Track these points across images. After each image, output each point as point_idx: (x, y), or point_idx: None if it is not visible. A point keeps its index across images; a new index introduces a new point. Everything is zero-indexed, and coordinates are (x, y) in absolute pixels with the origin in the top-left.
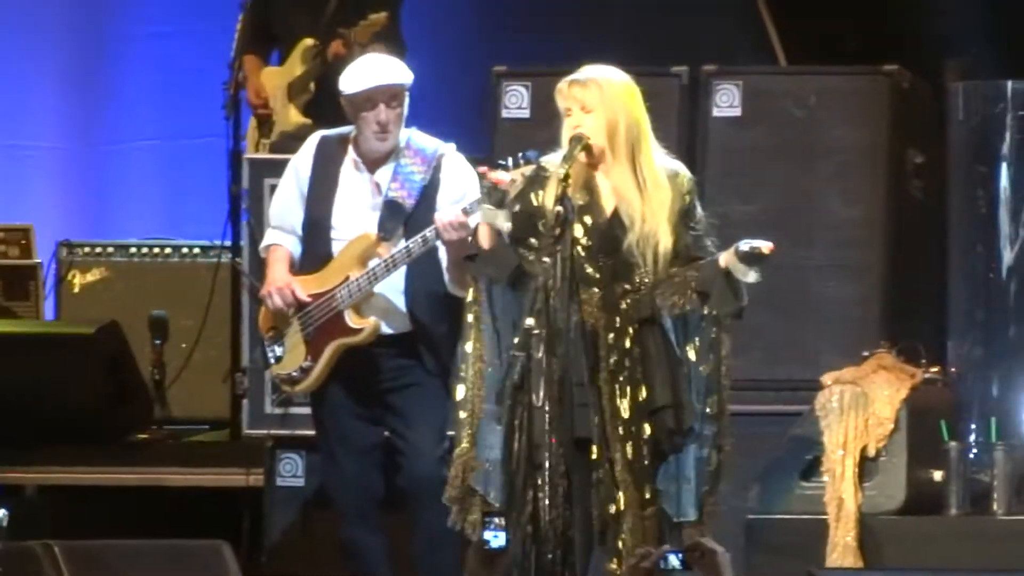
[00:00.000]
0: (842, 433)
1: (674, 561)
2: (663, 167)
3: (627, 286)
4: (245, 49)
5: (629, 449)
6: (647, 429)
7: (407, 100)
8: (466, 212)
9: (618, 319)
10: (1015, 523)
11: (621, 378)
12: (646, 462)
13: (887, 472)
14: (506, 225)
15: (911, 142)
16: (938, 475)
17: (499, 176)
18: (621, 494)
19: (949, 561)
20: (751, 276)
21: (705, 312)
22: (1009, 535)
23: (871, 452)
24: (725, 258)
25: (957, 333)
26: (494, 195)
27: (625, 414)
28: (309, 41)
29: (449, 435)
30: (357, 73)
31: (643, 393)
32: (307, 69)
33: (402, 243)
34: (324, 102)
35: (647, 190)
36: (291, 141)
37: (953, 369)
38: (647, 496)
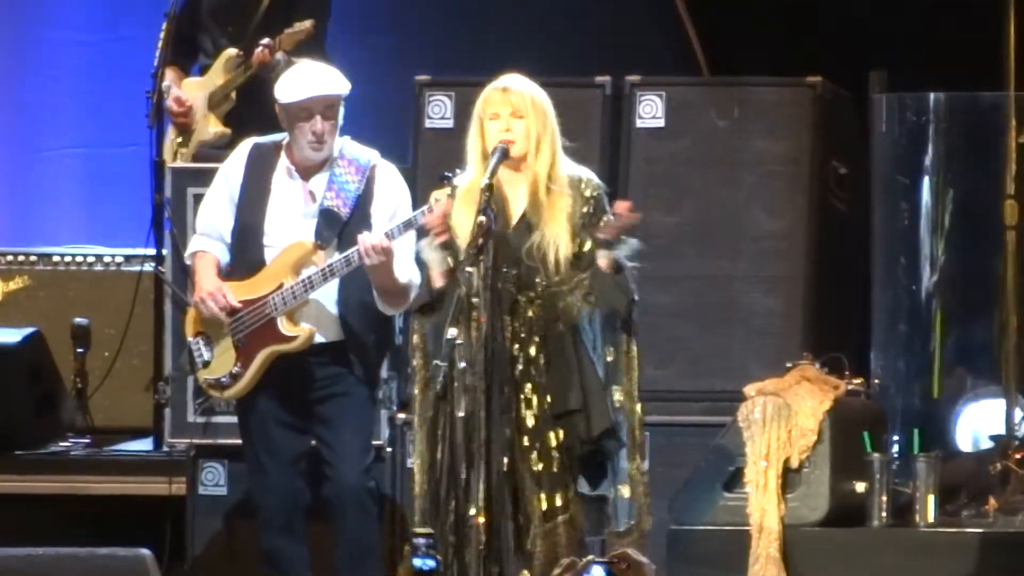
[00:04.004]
0: (765, 444)
1: (599, 572)
2: (568, 174)
3: (531, 293)
4: (168, 60)
5: (535, 458)
6: (554, 437)
7: (342, 110)
8: (389, 236)
9: (523, 328)
10: (937, 534)
11: (527, 387)
12: (555, 470)
13: (810, 483)
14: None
15: (834, 153)
16: (861, 486)
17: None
18: (529, 504)
19: (872, 572)
20: (625, 248)
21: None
22: (931, 546)
23: (794, 463)
24: (600, 257)
25: (880, 344)
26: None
27: (530, 423)
28: (232, 51)
29: (375, 444)
30: (294, 82)
31: (548, 400)
32: (229, 79)
33: (336, 254)
34: (245, 111)
35: (551, 195)
36: (209, 151)
37: (876, 380)
38: (557, 504)
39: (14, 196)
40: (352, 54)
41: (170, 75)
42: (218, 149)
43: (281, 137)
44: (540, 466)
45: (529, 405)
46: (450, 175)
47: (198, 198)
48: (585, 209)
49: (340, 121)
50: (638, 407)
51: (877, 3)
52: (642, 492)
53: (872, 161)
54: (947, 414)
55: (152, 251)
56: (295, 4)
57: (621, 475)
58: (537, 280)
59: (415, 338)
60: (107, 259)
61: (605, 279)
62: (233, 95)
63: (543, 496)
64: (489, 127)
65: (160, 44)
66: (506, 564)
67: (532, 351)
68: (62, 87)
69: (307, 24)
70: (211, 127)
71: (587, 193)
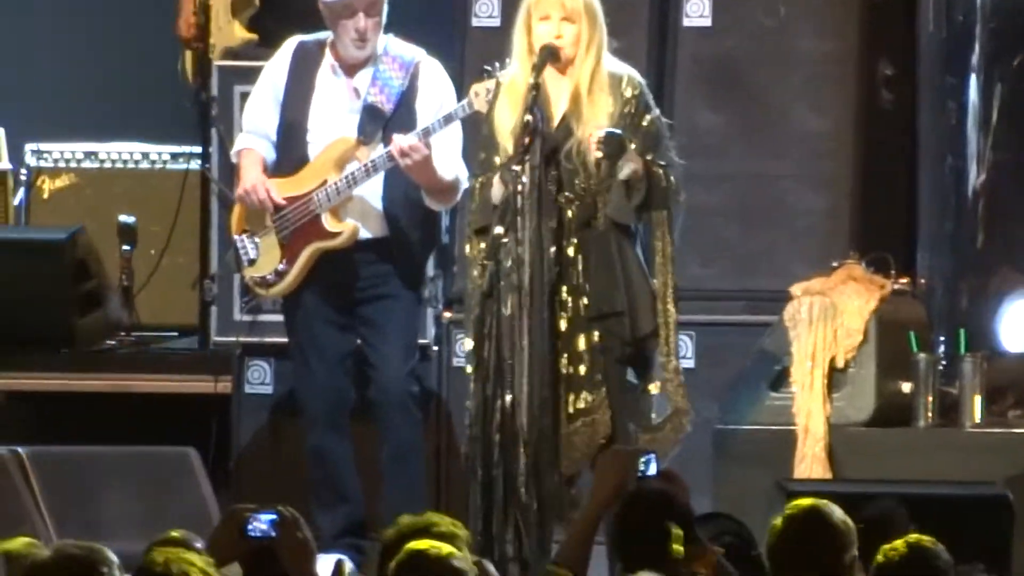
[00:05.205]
0: (811, 344)
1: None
2: (611, 72)
3: (568, 194)
4: None
5: (564, 361)
6: (584, 340)
7: (385, 8)
8: (429, 132)
9: (561, 229)
10: (982, 435)
11: (563, 289)
12: (581, 374)
13: (856, 383)
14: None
15: (882, 52)
16: (907, 387)
17: None
18: (558, 405)
19: (917, 472)
20: (624, 171)
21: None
22: (976, 447)
23: (840, 363)
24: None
25: (926, 244)
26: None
27: (563, 327)
28: None
29: (420, 343)
30: None
31: (583, 303)
32: None
33: (380, 147)
34: (268, 16)
35: (593, 96)
36: (236, 58)
37: (922, 280)
38: (578, 407)
39: (59, 93)
40: None
41: None
42: (244, 57)
43: (326, 35)
44: (569, 369)
45: (564, 307)
46: (492, 69)
47: (244, 96)
48: (626, 109)
49: (383, 19)
50: (671, 307)
51: None
52: (675, 390)
53: (919, 60)
54: (994, 313)
55: (199, 149)
56: None
57: (657, 372)
58: (577, 181)
59: (469, 248)
60: (153, 157)
61: (618, 190)
62: (256, 0)
63: (568, 399)
64: (538, 27)
65: None
66: (548, 466)
67: (570, 252)
68: None
69: None
70: (236, 32)
71: (627, 93)
